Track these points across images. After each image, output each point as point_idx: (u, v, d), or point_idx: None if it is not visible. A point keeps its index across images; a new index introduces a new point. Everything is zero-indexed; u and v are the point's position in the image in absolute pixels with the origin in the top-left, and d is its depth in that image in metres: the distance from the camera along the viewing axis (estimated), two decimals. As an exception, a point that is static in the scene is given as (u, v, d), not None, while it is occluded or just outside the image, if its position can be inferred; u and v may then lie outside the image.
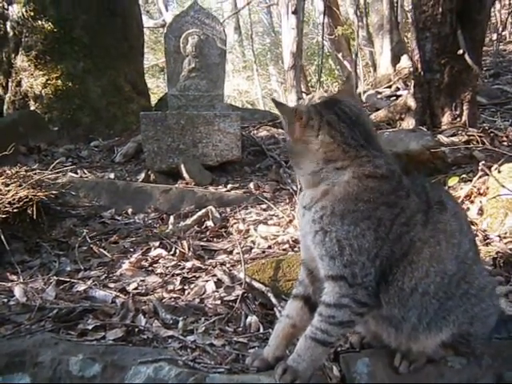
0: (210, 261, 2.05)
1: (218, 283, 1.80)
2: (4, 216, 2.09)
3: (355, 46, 7.71)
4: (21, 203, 2.14)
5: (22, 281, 1.76)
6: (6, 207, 2.14)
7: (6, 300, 1.58)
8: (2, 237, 1.98)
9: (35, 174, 2.30)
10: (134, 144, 3.43)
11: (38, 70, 3.96)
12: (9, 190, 2.19)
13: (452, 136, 3.73)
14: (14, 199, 2.15)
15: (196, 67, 3.27)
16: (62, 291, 1.68)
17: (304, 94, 7.32)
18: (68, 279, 1.77)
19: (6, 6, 4.03)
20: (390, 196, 1.16)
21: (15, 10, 3.99)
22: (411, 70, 7.34)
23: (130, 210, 2.68)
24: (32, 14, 3.98)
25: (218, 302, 1.69)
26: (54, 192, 2.20)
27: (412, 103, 4.08)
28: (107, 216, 2.59)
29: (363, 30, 9.25)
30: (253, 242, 2.24)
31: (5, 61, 4.08)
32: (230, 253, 2.18)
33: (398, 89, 7.60)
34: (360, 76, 7.96)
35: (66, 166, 3.13)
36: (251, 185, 3.00)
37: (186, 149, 3.09)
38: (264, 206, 2.74)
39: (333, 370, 1.33)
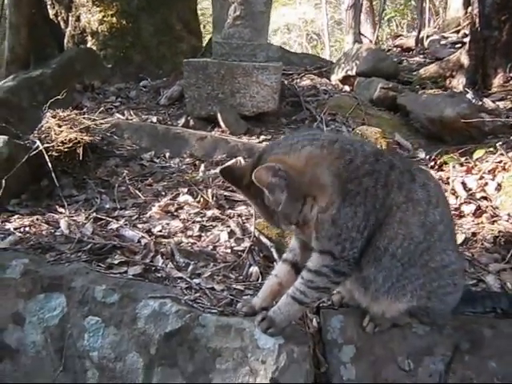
0: (229, 211, 2.27)
1: (231, 234, 2.04)
2: (57, 154, 2.41)
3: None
4: (71, 144, 2.43)
5: (67, 214, 2.08)
6: (58, 145, 2.45)
7: (53, 230, 1.90)
8: (54, 174, 2.30)
9: (84, 118, 2.55)
10: (178, 87, 3.61)
11: (95, 6, 4.14)
12: (61, 131, 2.49)
13: (500, 100, 3.61)
14: (65, 139, 2.45)
15: (241, 15, 3.30)
16: (99, 227, 1.98)
17: (362, 37, 7.04)
18: (105, 217, 2.07)
19: None
20: (364, 166, 1.30)
21: None
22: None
23: (167, 154, 2.92)
24: (91, -50, 4.08)
25: (228, 250, 1.94)
26: (98, 138, 2.45)
27: (465, 60, 3.93)
28: (146, 158, 2.85)
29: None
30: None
31: (66, -5, 4.28)
32: (249, 205, 2.40)
33: (465, 35, 7.10)
34: (426, 18, 7.45)
35: (114, 106, 3.42)
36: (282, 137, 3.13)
37: (225, 98, 3.23)
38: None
39: (313, 321, 1.56)
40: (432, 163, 2.76)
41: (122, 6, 4.14)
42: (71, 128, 2.47)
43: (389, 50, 8.30)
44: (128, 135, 2.97)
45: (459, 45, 6.81)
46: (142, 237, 1.91)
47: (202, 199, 2.35)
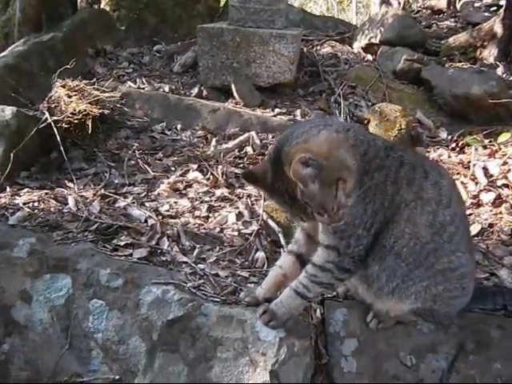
0: (239, 190, 2.23)
1: (239, 216, 2.00)
2: (66, 126, 2.37)
3: None
4: (80, 115, 2.39)
5: (75, 190, 2.07)
6: (68, 117, 2.41)
7: (61, 207, 1.90)
8: (64, 147, 2.27)
9: (94, 89, 2.49)
10: (192, 54, 3.48)
11: (109, -36, 3.98)
12: (71, 102, 2.44)
13: (532, 76, 3.41)
14: (75, 111, 2.41)
15: (259, -22, 3.14)
16: (106, 205, 1.97)
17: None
18: (113, 194, 2.06)
19: None
20: (375, 161, 1.24)
21: None
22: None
23: (179, 126, 2.86)
24: None
25: (236, 233, 1.92)
26: (108, 110, 2.40)
27: (499, 30, 3.71)
28: (158, 130, 2.80)
29: None
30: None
31: (79, -48, 4.12)
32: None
33: (502, -3, 6.68)
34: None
35: (127, 73, 3.34)
36: (298, 111, 3.03)
37: (240, 67, 3.12)
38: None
39: (316, 312, 1.55)
40: (453, 144, 2.65)
41: (136, -35, 3.97)
42: (81, 99, 2.41)
43: (418, 12, 7.89)
44: (139, 105, 2.92)
45: (495, 8, 6.43)
46: (149, 216, 1.90)
47: (211, 177, 2.32)
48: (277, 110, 3.05)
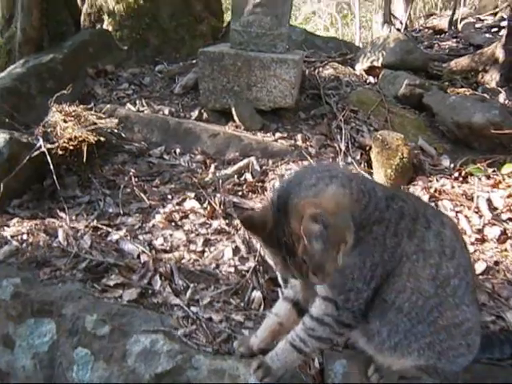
0: (237, 222, 2.17)
1: (236, 250, 1.94)
2: (62, 152, 2.32)
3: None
4: (76, 141, 2.34)
5: (67, 221, 2.00)
6: (64, 142, 2.36)
7: (50, 241, 1.84)
8: (58, 173, 2.22)
9: (91, 115, 2.44)
10: (194, 75, 3.45)
11: (111, -17, 3.96)
12: (67, 127, 2.39)
13: (536, 102, 3.36)
14: (71, 136, 2.36)
15: (261, 2, 3.10)
16: (98, 238, 1.91)
17: (393, 18, 6.65)
18: (105, 226, 1.99)
19: None
20: (375, 213, 1.19)
21: None
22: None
23: (178, 150, 2.81)
24: None
25: (232, 269, 1.85)
26: (102, 138, 2.35)
27: (500, 55, 3.66)
28: (156, 154, 2.75)
29: None
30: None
31: (82, -29, 4.11)
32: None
33: (502, 18, 6.66)
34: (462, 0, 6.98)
35: (127, 94, 3.30)
36: (299, 136, 2.98)
37: (240, 91, 3.07)
38: (306, 163, 2.75)
39: (315, 362, 1.47)
40: (456, 173, 2.58)
41: (140, -15, 3.95)
42: (77, 125, 2.37)
43: (419, 31, 7.89)
44: (138, 129, 2.87)
45: (495, 29, 6.41)
46: (142, 252, 1.83)
47: (209, 206, 2.25)
48: (278, 135, 2.99)
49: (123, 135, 2.66)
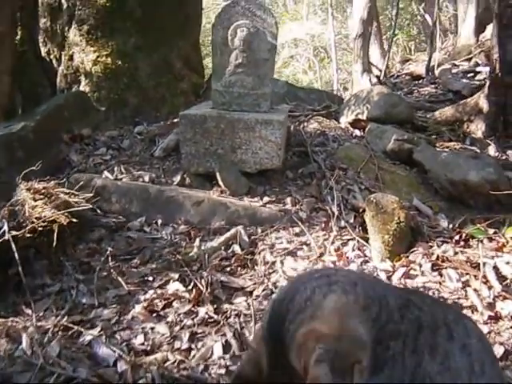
0: (226, 306, 1.96)
1: (227, 346, 1.72)
2: (29, 235, 2.11)
3: (435, 13, 6.89)
4: (46, 222, 2.14)
5: (34, 319, 1.77)
6: (33, 223, 2.15)
7: (11, 350, 1.59)
8: (26, 257, 2.00)
9: (63, 193, 2.25)
10: (175, 136, 3.32)
11: (89, 45, 3.88)
12: (36, 206, 2.19)
13: (525, 152, 3.30)
14: (40, 216, 2.16)
15: (243, 62, 3.03)
16: (69, 340, 1.67)
17: (372, 66, 6.75)
18: (77, 325, 1.76)
19: (60, -24, 3.91)
20: (389, 326, 1.01)
21: (69, -19, 3.87)
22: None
23: (159, 221, 2.62)
24: (85, -15, 3.84)
25: (223, 371, 1.62)
26: (74, 220, 2.15)
27: (484, 105, 3.63)
28: (135, 226, 2.56)
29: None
30: (275, 285, 2.12)
31: (59, 33, 4.03)
32: (250, 294, 2.09)
33: (477, 64, 6.81)
34: (437, 45, 7.15)
35: (104, 160, 3.13)
36: (288, 199, 2.83)
37: (224, 154, 2.94)
38: (297, 230, 2.58)
39: None
40: (457, 237, 2.43)
41: (118, 46, 3.87)
42: (48, 204, 2.17)
43: (397, 77, 8.03)
44: (116, 199, 2.68)
45: (471, 74, 6.54)
46: (120, 357, 1.60)
47: (194, 290, 2.04)
48: (266, 199, 2.84)
49: (98, 211, 2.46)
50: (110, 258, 2.24)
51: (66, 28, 4.01)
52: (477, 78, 6.30)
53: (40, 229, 2.13)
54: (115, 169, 2.99)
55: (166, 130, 3.52)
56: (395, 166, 3.13)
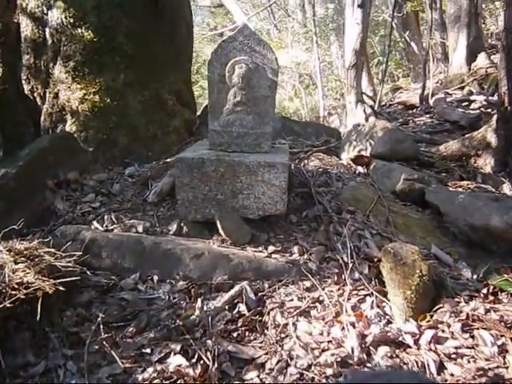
0: (236, 384, 1.71)
1: None
2: (9, 305, 1.84)
3: (426, 43, 6.89)
4: (29, 289, 1.87)
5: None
6: (14, 289, 1.89)
7: None
8: (6, 328, 1.73)
9: (47, 253, 2.00)
10: (169, 179, 3.10)
11: (75, 82, 3.67)
12: (17, 269, 1.93)
13: (540, 189, 3.15)
14: (22, 282, 1.90)
15: (242, 101, 2.85)
16: None
17: (365, 96, 6.68)
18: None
19: (45, 11, 3.73)
20: None
21: (55, 16, 3.69)
22: (488, 71, 6.53)
23: (155, 277, 2.37)
24: (72, 20, 3.66)
25: None
26: (61, 288, 1.89)
27: (492, 139, 3.50)
28: (129, 285, 2.30)
29: (436, 12, 8.28)
30: (289, 355, 1.87)
31: (43, 70, 3.82)
32: (262, 367, 1.84)
33: (471, 92, 6.80)
34: (430, 75, 7.14)
35: (93, 208, 2.88)
36: (295, 248, 2.61)
37: (225, 199, 2.72)
38: (308, 284, 2.35)
39: None
40: (484, 290, 2.23)
41: (107, 83, 3.67)
42: (31, 267, 1.91)
43: (390, 106, 7.99)
44: (107, 253, 2.43)
45: (466, 103, 6.50)
46: None
47: (199, 364, 1.79)
48: (271, 248, 2.61)
49: (88, 271, 2.21)
50: (101, 327, 1.97)
51: (51, 64, 3.80)
52: (471, 106, 6.27)
53: (22, 296, 1.86)
54: (105, 218, 2.74)
55: (159, 172, 3.30)
56: (407, 208, 2.94)
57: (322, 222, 2.86)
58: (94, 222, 2.67)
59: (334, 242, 2.64)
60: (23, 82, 3.91)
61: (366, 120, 6.15)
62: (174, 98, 4.14)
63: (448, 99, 6.55)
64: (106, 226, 2.64)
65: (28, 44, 3.84)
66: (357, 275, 2.40)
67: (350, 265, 2.43)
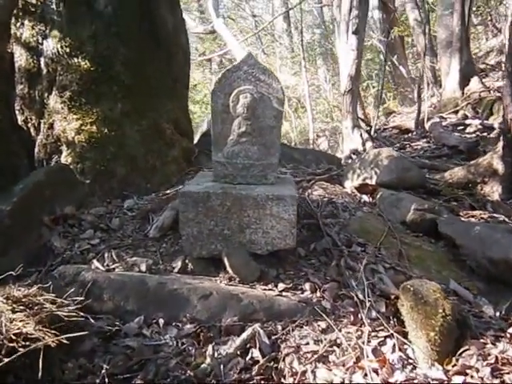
0: None
1: None
2: (7, 359, 1.68)
3: (420, 69, 6.96)
4: (28, 341, 1.72)
5: None
6: (12, 340, 1.73)
7: None
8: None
9: (46, 300, 1.85)
10: (171, 212, 2.98)
11: (71, 113, 3.57)
12: (15, 319, 1.78)
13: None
14: (21, 331, 1.75)
15: (247, 131, 2.77)
16: None
17: (361, 121, 6.68)
18: None
19: (40, 41, 3.65)
20: None
21: (50, 45, 3.60)
22: (482, 95, 6.59)
23: (161, 320, 2.23)
24: (68, 50, 3.58)
25: None
26: (64, 341, 1.74)
27: (499, 166, 3.45)
28: (133, 330, 2.15)
29: (425, 37, 8.38)
30: (312, 410, 1.74)
31: (37, 100, 3.72)
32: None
33: (465, 116, 6.83)
34: (425, 99, 7.18)
35: (92, 245, 2.74)
36: (307, 285, 2.49)
37: (231, 234, 2.61)
38: (323, 325, 2.23)
39: None
40: (510, 329, 2.12)
41: (104, 113, 3.57)
42: (30, 316, 1.76)
43: (384, 130, 8.01)
44: (109, 296, 2.28)
45: (461, 127, 6.52)
46: None
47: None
48: (281, 285, 2.49)
49: (92, 304, 2.06)
50: (106, 380, 1.82)
51: (46, 94, 3.70)
52: (467, 130, 6.29)
53: (21, 349, 1.71)
54: (106, 255, 2.60)
55: (160, 205, 3.17)
56: (419, 240, 2.85)
57: (332, 256, 2.75)
58: (95, 261, 2.52)
59: (347, 277, 2.53)
60: (17, 112, 3.79)
61: (363, 145, 6.13)
62: (172, 126, 4.05)
63: (443, 123, 6.57)
64: (107, 265, 2.50)
65: (22, 74, 3.74)
66: (374, 314, 2.28)
67: (368, 304, 2.31)
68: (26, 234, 2.65)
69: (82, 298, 2.01)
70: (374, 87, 10.94)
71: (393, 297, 2.34)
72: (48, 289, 1.96)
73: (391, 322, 2.24)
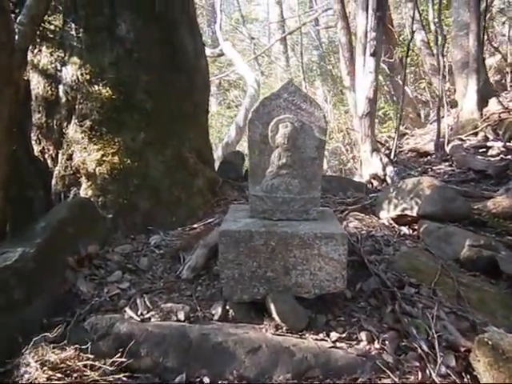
0: None
1: None
2: None
3: (440, 93, 6.82)
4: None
5: None
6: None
7: None
8: None
9: (87, 367, 1.61)
10: (203, 251, 2.76)
11: (92, 143, 3.37)
12: (50, 390, 1.54)
13: None
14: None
15: (287, 163, 2.57)
16: None
17: (379, 144, 6.50)
18: None
19: (59, 68, 3.47)
20: None
21: (69, 73, 3.43)
22: (502, 116, 6.42)
23: (205, 379, 1.99)
24: (88, 77, 3.40)
25: None
26: None
27: (548, 195, 3.22)
28: (177, 392, 1.90)
29: (442, 58, 8.23)
30: None
31: (56, 129, 3.52)
32: None
33: (486, 138, 6.65)
34: (445, 121, 7.00)
35: (121, 289, 2.50)
36: (362, 335, 2.24)
37: (276, 277, 2.38)
38: (388, 383, 1.98)
39: None
40: None
41: (126, 143, 3.37)
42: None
43: (400, 152, 7.82)
44: (147, 351, 2.04)
45: (483, 149, 6.34)
46: None
47: None
48: (333, 335, 2.25)
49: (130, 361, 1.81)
50: None
51: (65, 124, 3.51)
52: (489, 153, 6.10)
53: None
54: (138, 302, 2.36)
55: (190, 242, 2.94)
56: (477, 280, 2.61)
57: (382, 299, 2.51)
58: (127, 309, 2.28)
59: (406, 325, 2.28)
60: (33, 142, 3.59)
61: (384, 169, 5.94)
62: (195, 155, 3.86)
63: (464, 145, 6.39)
64: (142, 314, 2.26)
65: (39, 102, 3.55)
66: (443, 370, 2.03)
67: (436, 358, 2.06)
68: (51, 279, 2.41)
69: (122, 359, 1.76)
70: (383, 108, 10.77)
71: (463, 349, 2.10)
72: (83, 347, 1.72)
73: (465, 379, 1.99)
